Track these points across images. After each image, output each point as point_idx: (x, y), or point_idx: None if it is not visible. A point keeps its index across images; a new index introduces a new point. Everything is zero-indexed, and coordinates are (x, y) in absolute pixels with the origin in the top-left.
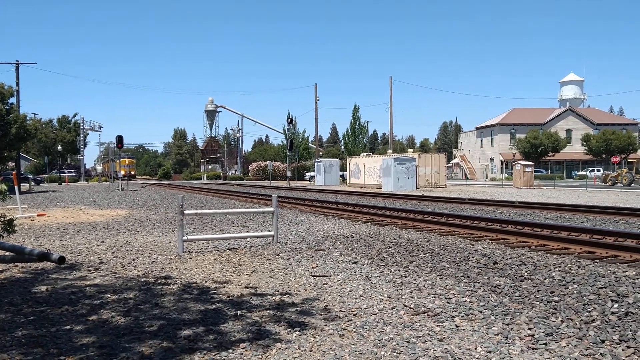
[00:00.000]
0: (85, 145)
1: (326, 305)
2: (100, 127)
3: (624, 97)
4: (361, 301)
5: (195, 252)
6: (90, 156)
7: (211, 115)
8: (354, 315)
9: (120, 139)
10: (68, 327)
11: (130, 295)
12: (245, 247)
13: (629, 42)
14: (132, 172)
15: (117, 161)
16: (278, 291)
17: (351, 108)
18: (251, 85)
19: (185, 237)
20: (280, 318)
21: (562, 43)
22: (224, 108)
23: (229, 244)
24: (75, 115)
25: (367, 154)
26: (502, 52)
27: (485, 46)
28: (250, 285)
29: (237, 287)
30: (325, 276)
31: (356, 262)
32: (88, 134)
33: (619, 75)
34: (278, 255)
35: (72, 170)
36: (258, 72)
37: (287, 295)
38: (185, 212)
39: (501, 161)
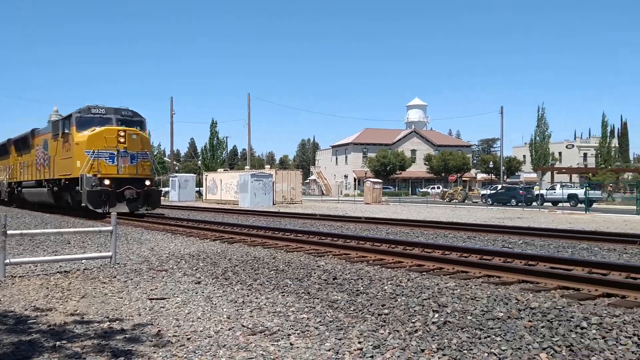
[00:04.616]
0: None
1: (159, 330)
2: None
3: (461, 121)
4: (198, 324)
5: (20, 276)
6: None
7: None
8: (188, 339)
9: None
10: None
11: None
12: (78, 270)
13: (466, 73)
14: (147, 177)
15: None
16: (108, 317)
17: (210, 123)
18: (101, 95)
19: (7, 260)
20: (105, 347)
21: (408, 68)
22: None
23: (60, 266)
24: None
25: (224, 170)
26: (357, 73)
27: (341, 67)
28: (77, 312)
29: (62, 314)
30: (163, 299)
31: (199, 282)
32: None
33: (457, 101)
34: (114, 277)
35: None
36: (110, 81)
37: (117, 321)
38: (9, 232)
39: (354, 178)
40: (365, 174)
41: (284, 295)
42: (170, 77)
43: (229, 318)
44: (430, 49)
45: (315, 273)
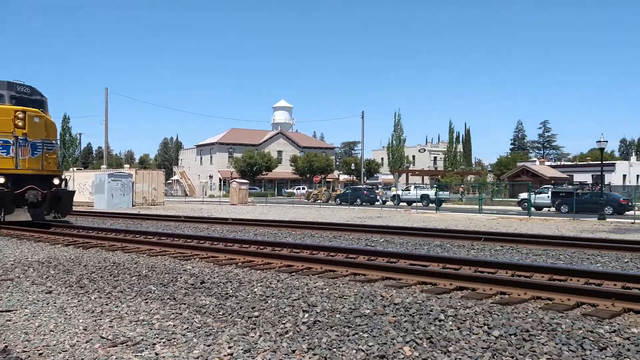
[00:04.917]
0: None
1: (6, 346)
2: None
3: (324, 124)
4: (51, 337)
5: None
6: None
7: None
8: (40, 354)
9: None
10: None
11: None
12: None
13: (329, 77)
14: (55, 174)
15: None
16: None
17: (62, 118)
18: None
19: None
20: None
21: (275, 69)
22: None
23: None
24: None
25: (77, 169)
26: (223, 72)
27: (206, 64)
28: None
29: None
30: (9, 311)
31: (50, 292)
32: None
33: (322, 103)
34: None
35: None
36: None
37: None
38: None
39: (220, 179)
40: (231, 174)
41: (147, 302)
42: (17, 68)
43: (86, 329)
44: (295, 49)
45: (181, 277)
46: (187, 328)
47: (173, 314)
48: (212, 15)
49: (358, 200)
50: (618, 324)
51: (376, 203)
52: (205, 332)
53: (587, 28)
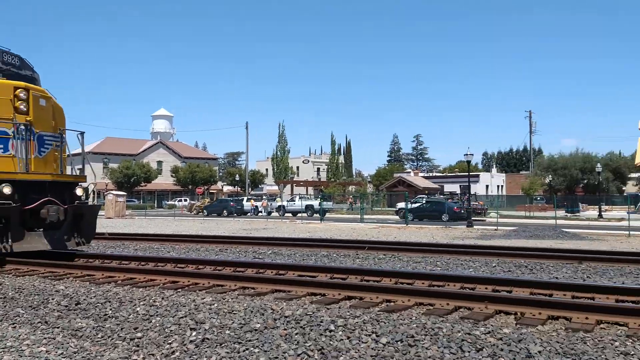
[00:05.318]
0: None
1: None
2: None
3: (207, 134)
4: None
5: None
6: None
7: None
8: None
9: None
10: None
11: None
12: None
13: (211, 86)
14: (76, 181)
15: None
16: None
17: None
18: None
19: None
20: None
21: (154, 77)
22: None
23: None
24: None
25: None
26: (98, 77)
27: (79, 69)
28: None
29: None
30: None
31: None
32: None
33: (204, 113)
34: None
35: None
36: None
37: None
38: None
39: (94, 190)
40: (107, 185)
41: (15, 327)
42: None
43: None
44: (175, 55)
45: (53, 299)
46: (62, 354)
47: (45, 338)
48: (86, 20)
49: (225, 211)
50: (492, 325)
51: (247, 213)
52: (83, 357)
53: (457, 44)
